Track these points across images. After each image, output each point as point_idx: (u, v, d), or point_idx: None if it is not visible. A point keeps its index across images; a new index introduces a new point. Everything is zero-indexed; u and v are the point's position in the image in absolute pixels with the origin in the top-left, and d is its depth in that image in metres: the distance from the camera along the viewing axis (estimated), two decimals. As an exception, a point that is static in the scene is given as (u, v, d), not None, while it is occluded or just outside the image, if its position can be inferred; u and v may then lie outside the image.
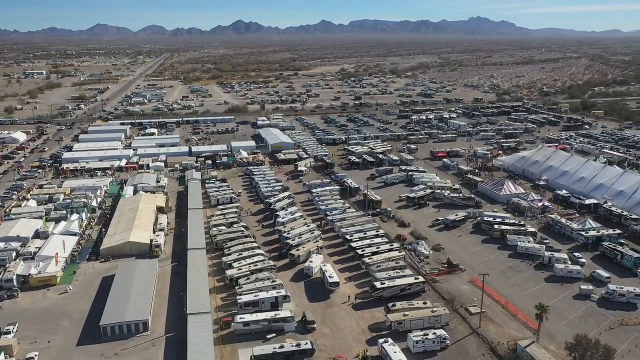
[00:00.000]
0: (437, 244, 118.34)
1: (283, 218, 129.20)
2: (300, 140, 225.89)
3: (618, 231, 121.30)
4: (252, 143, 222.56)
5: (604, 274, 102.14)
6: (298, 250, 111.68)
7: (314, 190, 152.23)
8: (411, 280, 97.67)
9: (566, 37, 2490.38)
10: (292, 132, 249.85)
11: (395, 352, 76.16)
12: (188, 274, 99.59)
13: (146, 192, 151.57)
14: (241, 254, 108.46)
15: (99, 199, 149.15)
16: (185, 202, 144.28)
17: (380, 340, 79.58)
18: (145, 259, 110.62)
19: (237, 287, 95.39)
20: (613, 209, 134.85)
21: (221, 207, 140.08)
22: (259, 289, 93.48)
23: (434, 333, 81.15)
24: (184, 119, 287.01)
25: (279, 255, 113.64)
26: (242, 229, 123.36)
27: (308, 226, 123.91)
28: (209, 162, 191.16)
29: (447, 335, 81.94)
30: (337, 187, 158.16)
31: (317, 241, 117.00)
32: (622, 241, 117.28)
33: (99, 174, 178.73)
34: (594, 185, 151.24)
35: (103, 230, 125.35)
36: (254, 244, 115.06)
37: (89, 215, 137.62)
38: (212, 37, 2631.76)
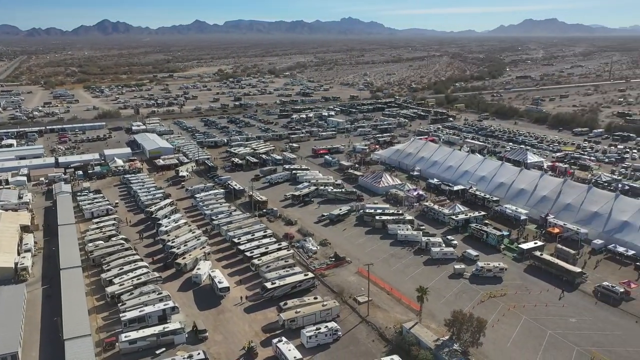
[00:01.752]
0: (324, 239, 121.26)
1: (166, 226, 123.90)
2: (180, 145, 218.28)
3: (482, 213, 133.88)
4: (128, 150, 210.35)
5: (473, 252, 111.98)
6: (184, 258, 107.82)
7: (197, 195, 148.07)
8: (301, 277, 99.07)
9: (429, 37, 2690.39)
10: (171, 136, 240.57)
11: (289, 350, 76.80)
12: (62, 296, 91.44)
13: (6, 210, 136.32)
14: (122, 269, 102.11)
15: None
16: (54, 218, 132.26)
17: (275, 340, 79.77)
18: (10, 285, 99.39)
19: (119, 304, 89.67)
20: (477, 193, 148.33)
21: (97, 220, 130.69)
22: (144, 304, 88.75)
23: (326, 326, 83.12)
24: (48, 127, 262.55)
25: (164, 265, 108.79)
26: (122, 241, 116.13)
27: (193, 233, 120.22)
28: (80, 172, 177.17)
29: (338, 327, 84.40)
30: (222, 190, 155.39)
31: (203, 247, 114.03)
32: (487, 222, 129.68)
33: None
34: (460, 172, 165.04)
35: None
36: (136, 257, 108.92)
37: None
38: (75, 38, 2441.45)
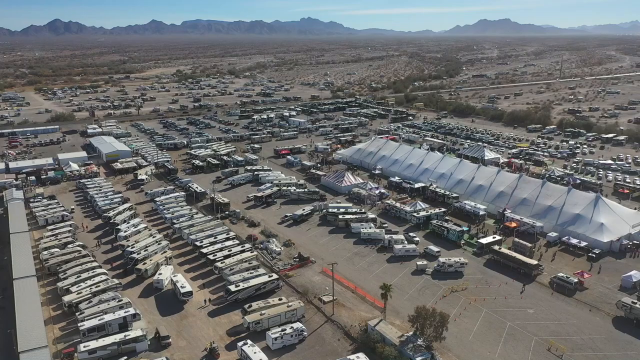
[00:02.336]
0: (287, 240, 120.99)
1: (125, 231, 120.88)
2: (139, 147, 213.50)
3: (443, 209, 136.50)
4: (84, 154, 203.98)
5: (435, 248, 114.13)
6: (145, 263, 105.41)
7: (157, 199, 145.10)
8: (265, 278, 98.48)
9: (388, 36, 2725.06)
10: (129, 139, 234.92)
11: (255, 352, 76.23)
12: (16, 306, 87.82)
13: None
14: (80, 277, 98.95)
15: None
16: (5, 226, 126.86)
17: (240, 344, 79.00)
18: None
19: (77, 313, 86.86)
20: (437, 190, 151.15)
21: (51, 227, 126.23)
22: (104, 312, 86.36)
23: (292, 327, 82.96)
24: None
25: (124, 271, 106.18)
26: (79, 248, 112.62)
27: (154, 237, 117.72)
28: (33, 178, 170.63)
29: (304, 327, 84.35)
30: (183, 193, 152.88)
31: (165, 252, 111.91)
32: (447, 218, 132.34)
33: None
34: (421, 170, 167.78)
35: None
36: (94, 264, 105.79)
37: None
38: (24, 38, 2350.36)
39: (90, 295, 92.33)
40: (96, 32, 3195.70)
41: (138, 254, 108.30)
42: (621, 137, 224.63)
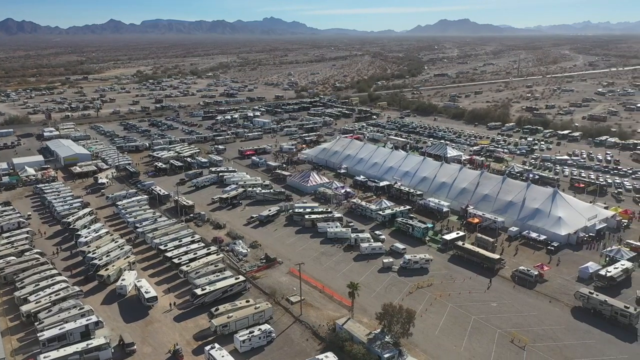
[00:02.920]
0: (254, 241, 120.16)
1: (86, 237, 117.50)
2: (98, 150, 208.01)
3: (408, 207, 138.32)
4: (40, 158, 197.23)
5: (400, 246, 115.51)
6: (107, 269, 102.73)
7: (119, 203, 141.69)
8: (232, 281, 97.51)
9: (350, 36, 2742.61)
10: (88, 141, 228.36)
11: (222, 356, 75.37)
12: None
13: None
14: (38, 285, 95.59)
15: None
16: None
17: (207, 348, 77.97)
18: None
19: (37, 323, 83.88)
20: (402, 188, 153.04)
21: (7, 234, 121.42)
22: (65, 320, 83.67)
23: (260, 329, 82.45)
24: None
25: (85, 278, 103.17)
26: (37, 256, 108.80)
27: (116, 242, 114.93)
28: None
29: (272, 328, 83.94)
30: (145, 196, 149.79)
31: (128, 257, 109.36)
32: (412, 215, 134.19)
33: None
34: (385, 168, 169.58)
35: None
36: (54, 271, 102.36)
37: None
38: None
39: (49, 304, 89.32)
40: (51, 32, 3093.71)
41: (100, 260, 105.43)
42: (576, 134, 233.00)
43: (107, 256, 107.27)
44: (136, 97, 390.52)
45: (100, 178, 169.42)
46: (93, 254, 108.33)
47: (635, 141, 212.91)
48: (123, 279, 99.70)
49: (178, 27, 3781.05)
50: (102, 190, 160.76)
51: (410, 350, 79.26)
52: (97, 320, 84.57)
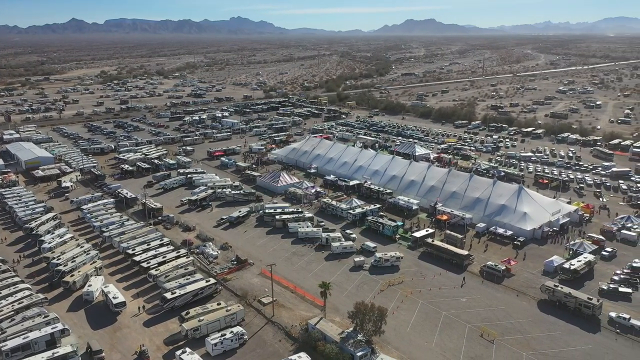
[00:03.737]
0: (224, 243, 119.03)
1: (50, 243, 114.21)
2: (62, 153, 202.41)
3: (378, 206, 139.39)
4: (0, 162, 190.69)
5: (371, 244, 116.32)
6: (72, 275, 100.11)
7: (84, 207, 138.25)
8: (203, 284, 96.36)
9: (318, 36, 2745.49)
10: (50, 144, 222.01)
11: (194, 360, 74.42)
12: None
13: None
14: (0, 293, 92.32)
15: None
16: None
17: (178, 352, 76.78)
18: None
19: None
20: (372, 187, 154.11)
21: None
22: (29, 329, 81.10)
23: (232, 332, 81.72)
24: None
25: (50, 285, 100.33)
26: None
27: (82, 247, 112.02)
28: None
29: (244, 331, 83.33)
30: (112, 199, 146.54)
31: (94, 262, 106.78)
32: (382, 214, 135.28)
33: None
34: (355, 168, 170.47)
35: None
36: (16, 279, 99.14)
37: None
38: None
39: (12, 312, 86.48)
40: (10, 31, 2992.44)
41: (65, 266, 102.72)
42: (539, 131, 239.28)
43: (72, 262, 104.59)
44: (100, 98, 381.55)
45: (64, 182, 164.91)
46: (58, 259, 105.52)
47: (596, 138, 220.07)
48: (90, 285, 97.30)
49: (143, 26, 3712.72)
50: (67, 194, 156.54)
51: (382, 347, 79.90)
52: (63, 328, 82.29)
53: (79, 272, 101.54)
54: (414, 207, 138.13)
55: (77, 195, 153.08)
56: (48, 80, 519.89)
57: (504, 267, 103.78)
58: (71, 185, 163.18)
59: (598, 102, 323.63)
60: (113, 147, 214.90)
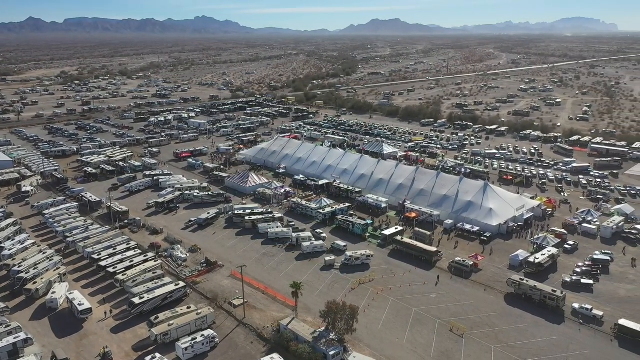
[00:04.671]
0: (193, 245, 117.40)
1: (10, 250, 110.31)
2: (21, 156, 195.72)
3: (347, 204, 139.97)
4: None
5: (342, 243, 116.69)
6: (35, 283, 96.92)
7: (46, 212, 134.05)
8: (172, 287, 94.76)
9: (285, 35, 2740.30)
10: (9, 147, 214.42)
11: (165, 365, 73.14)
12: None
13: None
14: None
15: None
16: None
17: (147, 358, 75.32)
18: None
19: (-43, 345, 77.76)
20: (341, 186, 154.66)
21: None
22: (-11, 340, 78.15)
23: (202, 335, 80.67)
24: None
25: (11, 293, 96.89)
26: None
27: (44, 253, 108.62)
28: None
29: (215, 333, 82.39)
30: (75, 203, 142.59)
31: (58, 268, 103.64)
32: (351, 212, 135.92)
33: None
34: (324, 167, 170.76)
35: None
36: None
37: None
38: None
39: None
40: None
41: (26, 273, 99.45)
42: (503, 128, 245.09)
43: (34, 269, 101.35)
44: (61, 99, 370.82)
45: (24, 186, 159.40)
46: (19, 267, 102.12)
47: (556, 134, 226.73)
48: (53, 292, 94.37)
49: (104, 25, 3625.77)
50: (27, 199, 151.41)
51: (354, 346, 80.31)
52: (26, 338, 79.74)
53: (41, 279, 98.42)
54: (383, 205, 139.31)
55: (38, 199, 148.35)
56: (5, 81, 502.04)
57: (471, 263, 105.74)
58: (32, 190, 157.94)
59: (558, 100, 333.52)
60: (75, 149, 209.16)
